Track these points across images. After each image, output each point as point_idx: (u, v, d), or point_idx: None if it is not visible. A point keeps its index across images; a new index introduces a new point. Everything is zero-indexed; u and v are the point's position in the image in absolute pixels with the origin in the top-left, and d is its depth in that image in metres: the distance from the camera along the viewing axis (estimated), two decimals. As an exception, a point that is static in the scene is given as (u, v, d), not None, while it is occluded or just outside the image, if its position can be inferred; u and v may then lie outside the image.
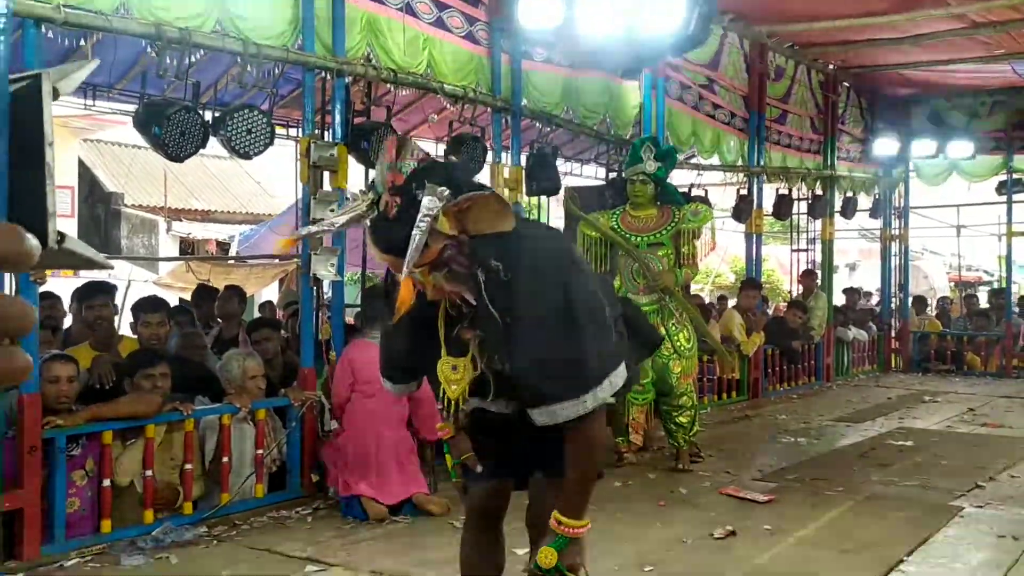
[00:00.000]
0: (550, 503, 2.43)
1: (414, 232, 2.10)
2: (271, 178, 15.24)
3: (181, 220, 14.91)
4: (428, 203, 2.13)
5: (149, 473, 4.56)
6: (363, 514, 4.87)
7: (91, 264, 0.67)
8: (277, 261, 11.32)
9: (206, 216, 15.42)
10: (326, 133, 5.61)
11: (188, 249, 14.91)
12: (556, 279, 2.27)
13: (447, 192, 2.15)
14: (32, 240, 0.42)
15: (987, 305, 13.32)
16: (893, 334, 12.78)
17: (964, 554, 4.27)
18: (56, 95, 0.59)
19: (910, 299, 13.35)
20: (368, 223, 2.24)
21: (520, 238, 2.29)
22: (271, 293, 13.37)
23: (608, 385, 2.30)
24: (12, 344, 0.41)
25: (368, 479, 4.96)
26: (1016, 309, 12.76)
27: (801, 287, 11.34)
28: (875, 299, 14.56)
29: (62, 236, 0.54)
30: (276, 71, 5.39)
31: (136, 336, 5.48)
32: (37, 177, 0.54)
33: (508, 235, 2.25)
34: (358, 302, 7.60)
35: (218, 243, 14.96)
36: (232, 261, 12.20)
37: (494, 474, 2.68)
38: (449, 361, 2.45)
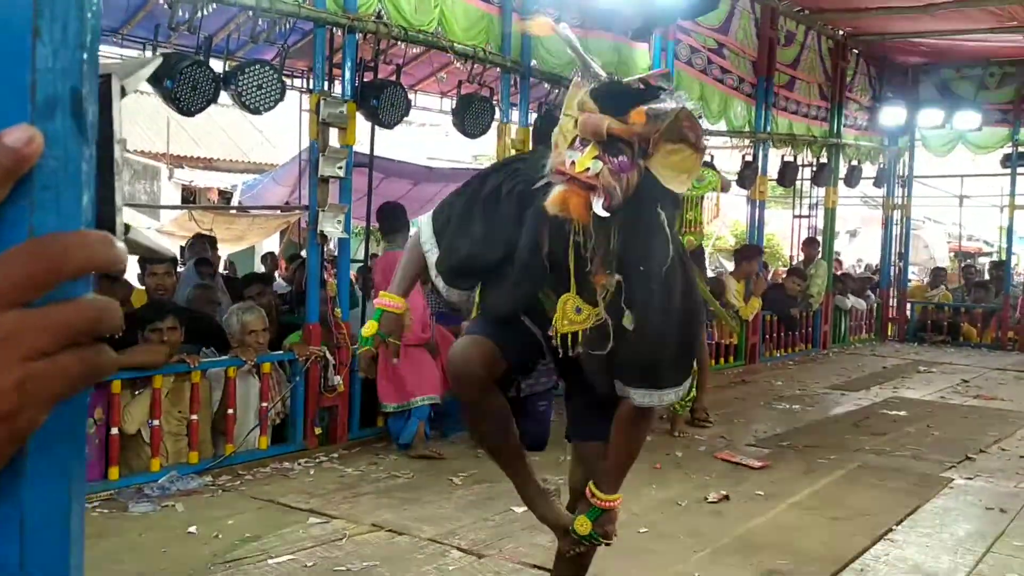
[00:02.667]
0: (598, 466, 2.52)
1: (664, 101, 2.15)
2: (273, 127, 15.14)
3: (183, 167, 14.85)
4: (684, 95, 2.21)
5: (156, 423, 4.64)
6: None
7: (153, 253, 0.69)
8: (279, 212, 11.33)
9: (208, 164, 15.35)
10: (333, 85, 5.60)
11: (190, 197, 14.88)
12: (684, 271, 2.35)
13: (695, 107, 2.21)
14: (121, 244, 0.45)
15: (987, 277, 13.38)
16: (892, 302, 12.86)
17: (952, 525, 4.37)
18: (123, 93, 0.61)
19: (910, 269, 13.42)
20: (599, 79, 2.26)
21: (677, 213, 2.31)
22: (272, 244, 13.40)
23: (691, 378, 2.40)
24: (100, 343, 0.44)
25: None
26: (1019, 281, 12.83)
27: (802, 255, 11.38)
28: (848, 266, 14.65)
29: (127, 228, 0.57)
30: (286, 25, 5.37)
31: (144, 287, 5.52)
32: (106, 173, 0.55)
33: (675, 197, 2.26)
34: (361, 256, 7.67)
35: (220, 192, 14.94)
36: (234, 211, 12.20)
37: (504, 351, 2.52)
38: (576, 301, 2.39)
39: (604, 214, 2.12)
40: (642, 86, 2.24)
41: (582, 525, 2.51)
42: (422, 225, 2.67)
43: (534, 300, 2.48)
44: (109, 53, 7.30)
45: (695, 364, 6.02)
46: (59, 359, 0.49)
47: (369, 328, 2.64)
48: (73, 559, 0.54)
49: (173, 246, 8.82)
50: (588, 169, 2.11)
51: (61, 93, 0.51)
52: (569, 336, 2.39)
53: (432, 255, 2.61)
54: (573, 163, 2.13)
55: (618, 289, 2.30)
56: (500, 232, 2.44)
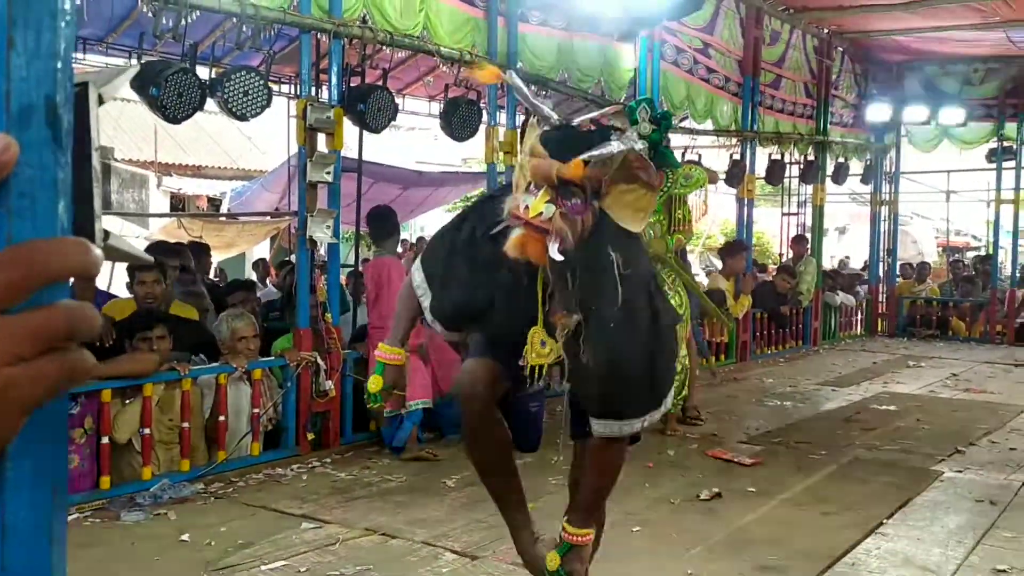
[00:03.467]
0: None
1: (608, 145, 2.16)
2: (261, 134, 15.14)
3: (172, 175, 14.80)
4: (632, 136, 2.21)
5: (147, 431, 4.62)
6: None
7: (133, 259, 0.70)
8: (269, 218, 11.31)
9: (197, 171, 15.30)
10: (320, 91, 5.61)
11: (179, 204, 14.84)
12: (648, 305, 2.34)
13: (643, 148, 2.21)
14: (97, 250, 0.46)
15: (972, 271, 13.46)
16: (881, 298, 12.93)
17: (942, 517, 4.40)
18: (101, 101, 0.61)
19: (898, 264, 13.48)
20: (550, 123, 2.29)
21: (638, 249, 2.31)
22: (262, 250, 13.38)
23: (663, 407, 2.39)
24: (80, 347, 0.44)
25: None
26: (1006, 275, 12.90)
27: (792, 252, 11.42)
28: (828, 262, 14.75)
29: (107, 234, 0.57)
30: (272, 31, 5.36)
31: (132, 295, 5.50)
32: (85, 180, 0.56)
33: (631, 237, 2.27)
34: (351, 261, 7.67)
35: (209, 199, 14.89)
36: (224, 218, 12.18)
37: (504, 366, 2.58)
38: (542, 335, 2.43)
39: (558, 257, 2.15)
40: (592, 127, 2.26)
41: (551, 561, 2.51)
42: (414, 271, 2.72)
43: (528, 327, 2.51)
44: (95, 62, 7.27)
45: (685, 363, 6.07)
46: (37, 364, 0.50)
47: (375, 383, 2.66)
48: (55, 562, 0.55)
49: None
50: (541, 214, 2.14)
51: (36, 102, 0.52)
52: (537, 368, 2.44)
53: (425, 299, 2.66)
54: (527, 208, 2.16)
55: (578, 327, 2.33)
56: (484, 275, 2.50)
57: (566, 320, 2.33)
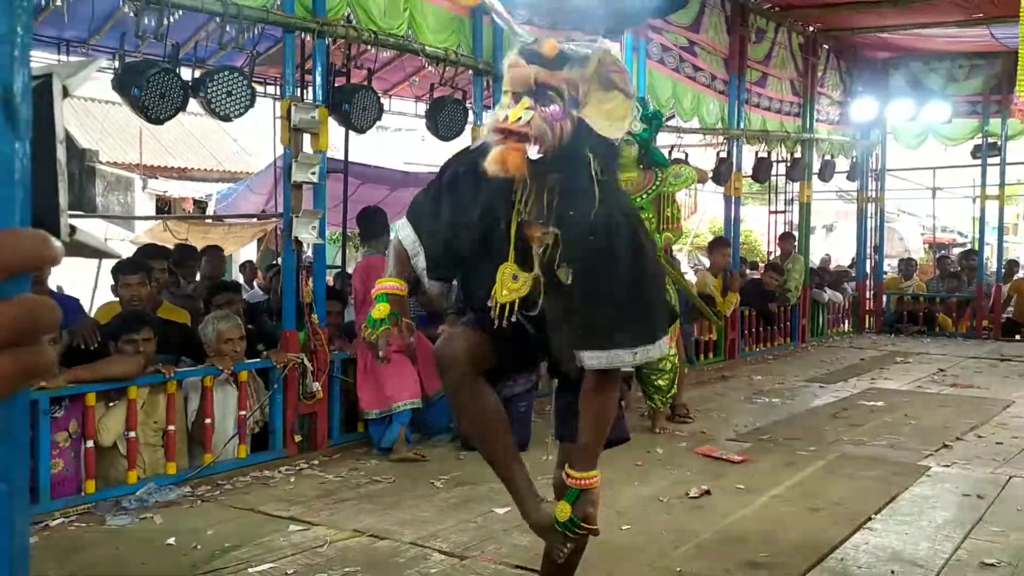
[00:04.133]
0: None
1: (585, 47, 2.20)
2: (247, 133, 15.06)
3: (157, 178, 14.72)
4: (607, 44, 2.25)
5: (132, 434, 4.59)
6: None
7: (100, 254, 0.70)
8: (256, 221, 11.26)
9: (182, 174, 15.24)
10: (305, 91, 5.58)
11: (164, 207, 14.77)
12: (631, 227, 2.30)
13: (617, 53, 2.23)
14: (57, 243, 0.45)
15: (959, 267, 13.52)
16: (868, 294, 12.98)
17: (930, 512, 4.40)
18: (66, 93, 0.61)
19: (885, 261, 13.53)
20: (526, 41, 2.33)
21: (615, 164, 2.30)
22: (249, 253, 13.33)
23: (658, 347, 2.34)
24: (42, 343, 0.43)
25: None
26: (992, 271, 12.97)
27: (779, 250, 11.45)
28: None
29: (73, 229, 0.57)
30: (255, 31, 5.34)
31: (117, 298, 5.46)
32: (49, 174, 0.55)
33: (611, 144, 2.25)
34: (338, 263, 7.65)
35: (195, 201, 14.82)
36: (210, 220, 12.12)
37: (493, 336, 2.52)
38: (514, 269, 2.39)
39: (536, 156, 2.15)
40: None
41: (561, 511, 2.49)
42: (400, 225, 2.68)
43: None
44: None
45: (674, 362, 6.05)
46: (-7, 358, 0.48)
47: (381, 310, 2.55)
48: (16, 558, 0.53)
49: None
50: (520, 119, 2.14)
51: (-10, 89, 0.51)
52: (507, 306, 2.39)
53: (412, 248, 2.62)
54: (507, 117, 2.16)
55: (556, 246, 2.31)
56: (465, 212, 2.47)
57: (541, 234, 2.31)
